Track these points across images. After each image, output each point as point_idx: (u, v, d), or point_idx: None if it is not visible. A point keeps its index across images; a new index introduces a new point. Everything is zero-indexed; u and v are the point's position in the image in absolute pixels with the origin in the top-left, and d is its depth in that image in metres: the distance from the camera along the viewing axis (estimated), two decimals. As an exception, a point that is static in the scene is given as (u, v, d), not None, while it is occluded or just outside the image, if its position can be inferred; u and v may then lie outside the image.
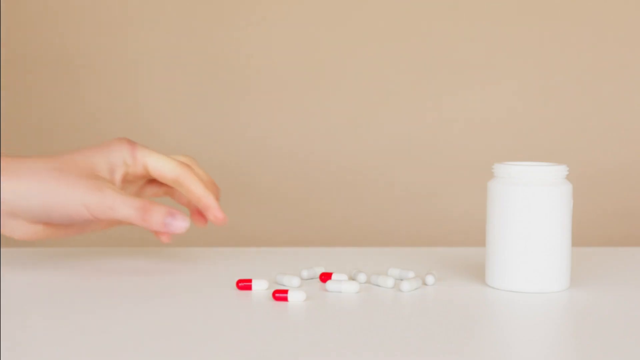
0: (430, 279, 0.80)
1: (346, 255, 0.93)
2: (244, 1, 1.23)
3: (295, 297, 0.73)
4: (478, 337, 0.65)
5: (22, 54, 1.24)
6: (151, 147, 0.82)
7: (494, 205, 0.78)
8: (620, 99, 1.23)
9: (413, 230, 1.24)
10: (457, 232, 1.23)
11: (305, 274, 0.81)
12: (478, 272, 0.83)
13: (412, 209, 1.24)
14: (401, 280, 0.79)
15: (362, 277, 0.80)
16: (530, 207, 0.76)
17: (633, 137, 1.23)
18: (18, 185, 0.75)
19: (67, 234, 0.80)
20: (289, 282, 0.78)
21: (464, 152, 1.24)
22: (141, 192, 0.83)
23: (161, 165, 0.78)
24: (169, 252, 0.90)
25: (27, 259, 0.87)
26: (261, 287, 0.77)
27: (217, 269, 0.85)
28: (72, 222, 0.77)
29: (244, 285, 0.77)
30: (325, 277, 0.80)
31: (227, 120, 1.25)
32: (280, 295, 0.73)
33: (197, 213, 0.83)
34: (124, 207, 0.74)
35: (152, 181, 0.84)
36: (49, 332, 0.64)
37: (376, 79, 1.24)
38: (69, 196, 0.74)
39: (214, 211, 0.79)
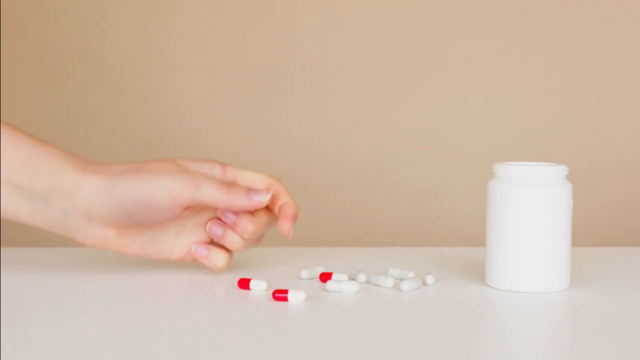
0: (430, 279, 0.80)
1: (346, 255, 0.93)
2: (245, 5, 1.23)
3: (295, 297, 0.73)
4: (478, 337, 0.65)
5: (24, 54, 1.24)
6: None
7: (494, 205, 0.78)
8: (620, 99, 1.23)
9: (413, 230, 1.24)
10: (457, 232, 1.23)
11: (305, 274, 0.81)
12: (478, 272, 0.83)
13: (412, 208, 1.24)
14: (401, 280, 0.80)
15: (362, 277, 0.80)
16: (530, 207, 0.76)
17: (633, 137, 1.23)
18: (97, 182, 0.74)
19: (136, 252, 0.79)
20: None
21: (464, 152, 1.24)
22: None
23: (252, 177, 0.78)
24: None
25: (27, 259, 0.87)
26: (260, 287, 0.77)
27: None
28: (151, 219, 0.75)
29: (245, 284, 0.77)
30: (325, 277, 0.80)
31: (226, 119, 1.25)
32: (280, 295, 0.73)
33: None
34: (208, 185, 0.74)
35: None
36: (49, 332, 0.64)
37: (375, 78, 1.24)
38: (151, 182, 0.73)
39: (287, 221, 0.78)
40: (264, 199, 0.75)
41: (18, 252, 0.91)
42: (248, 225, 0.78)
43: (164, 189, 0.74)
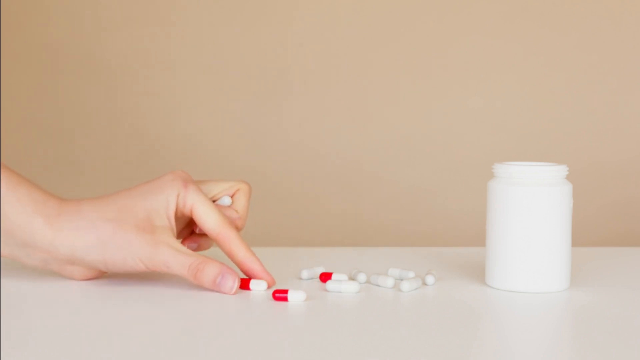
0: (430, 279, 0.80)
1: (346, 255, 0.93)
2: (244, 5, 1.23)
3: (295, 297, 0.73)
4: (478, 337, 0.65)
5: (24, 54, 1.24)
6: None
7: (494, 205, 0.78)
8: (620, 99, 1.23)
9: (413, 229, 1.24)
10: (457, 232, 1.23)
11: (305, 274, 0.81)
12: (478, 272, 0.83)
13: (413, 208, 1.24)
14: (401, 280, 0.80)
15: (362, 277, 0.80)
16: (530, 207, 0.76)
17: (633, 137, 1.23)
18: (74, 240, 0.75)
19: None
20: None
21: (464, 152, 1.24)
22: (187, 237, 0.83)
23: (205, 218, 0.77)
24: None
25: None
26: (260, 287, 0.76)
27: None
28: (128, 272, 0.78)
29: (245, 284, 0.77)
30: (325, 277, 0.80)
31: (227, 118, 1.25)
32: (280, 295, 0.73)
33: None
34: (177, 266, 0.75)
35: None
36: (49, 332, 0.64)
37: (375, 78, 1.24)
38: (126, 252, 0.75)
39: (261, 276, 0.77)
40: (229, 291, 0.75)
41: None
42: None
43: (139, 261, 0.75)
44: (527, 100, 1.24)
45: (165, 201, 0.77)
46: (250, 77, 1.24)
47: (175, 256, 0.75)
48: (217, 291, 0.75)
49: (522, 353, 0.62)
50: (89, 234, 0.75)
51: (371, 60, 1.24)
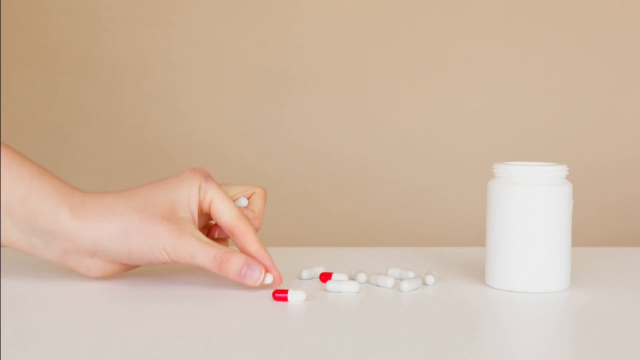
0: (430, 279, 0.80)
1: (346, 255, 0.93)
2: (244, 5, 1.23)
3: (295, 297, 0.73)
4: (478, 337, 0.65)
5: (24, 54, 1.24)
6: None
7: (494, 205, 0.78)
8: (620, 99, 1.23)
9: (413, 229, 1.24)
10: (457, 232, 1.23)
11: (305, 274, 0.81)
12: (478, 272, 0.83)
13: (413, 209, 1.24)
14: (401, 280, 0.80)
15: (362, 277, 0.80)
16: (530, 207, 0.76)
17: (633, 137, 1.23)
18: (100, 229, 0.75)
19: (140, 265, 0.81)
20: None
21: (464, 152, 1.24)
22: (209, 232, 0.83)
23: (223, 211, 0.78)
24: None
25: (27, 259, 0.87)
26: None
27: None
28: (151, 263, 0.78)
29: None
30: (325, 277, 0.80)
31: (227, 118, 1.25)
32: (280, 295, 0.73)
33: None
34: (202, 256, 0.75)
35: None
36: (50, 332, 0.64)
37: (375, 78, 1.24)
38: (151, 242, 0.75)
39: (271, 272, 0.77)
40: (255, 283, 0.76)
41: (18, 251, 0.91)
42: None
43: (163, 251, 0.75)
44: (527, 100, 1.24)
45: (187, 193, 0.77)
46: (250, 77, 1.24)
47: (200, 247, 0.75)
48: (241, 283, 0.75)
49: (522, 353, 0.62)
50: (114, 223, 0.75)
51: (371, 60, 1.24)
